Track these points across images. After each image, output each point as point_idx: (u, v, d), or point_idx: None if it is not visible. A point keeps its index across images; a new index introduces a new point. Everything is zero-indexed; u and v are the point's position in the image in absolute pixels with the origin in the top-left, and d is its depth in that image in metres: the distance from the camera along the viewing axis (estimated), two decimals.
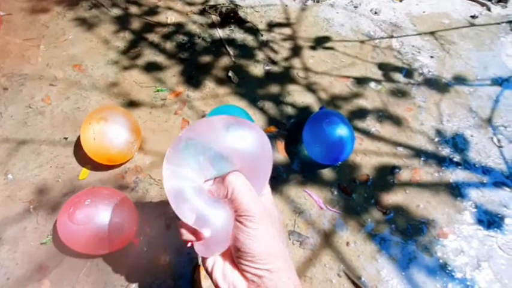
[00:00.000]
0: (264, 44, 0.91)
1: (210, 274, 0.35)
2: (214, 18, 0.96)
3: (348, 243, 0.61)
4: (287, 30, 0.95)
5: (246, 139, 0.39)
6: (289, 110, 0.78)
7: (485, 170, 0.71)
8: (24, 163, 0.68)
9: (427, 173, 0.70)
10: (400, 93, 0.82)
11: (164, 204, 0.63)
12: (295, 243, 0.60)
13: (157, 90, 0.79)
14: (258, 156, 0.39)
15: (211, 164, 0.38)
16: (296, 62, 0.87)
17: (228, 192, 0.35)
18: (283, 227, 0.39)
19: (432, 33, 0.97)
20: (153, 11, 0.98)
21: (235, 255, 0.35)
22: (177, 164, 0.37)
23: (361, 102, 0.80)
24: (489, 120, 0.79)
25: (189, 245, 0.37)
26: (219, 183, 0.37)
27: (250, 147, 0.39)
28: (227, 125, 0.39)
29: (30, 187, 0.65)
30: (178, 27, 0.93)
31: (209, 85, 0.81)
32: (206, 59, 0.87)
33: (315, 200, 0.65)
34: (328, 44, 0.92)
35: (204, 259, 0.37)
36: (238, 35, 0.93)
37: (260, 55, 0.88)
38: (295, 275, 0.35)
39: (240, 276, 0.34)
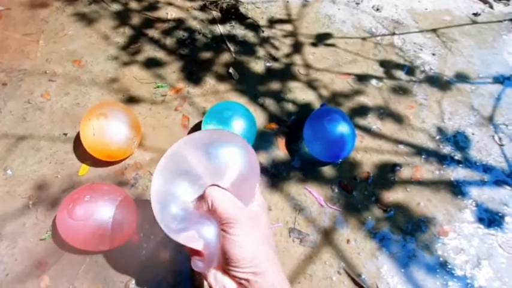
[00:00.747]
0: (265, 41, 0.90)
1: (205, 277, 0.38)
2: (215, 14, 0.96)
3: (348, 241, 0.61)
4: (288, 27, 0.94)
5: (229, 156, 0.40)
6: (290, 106, 0.77)
7: (486, 168, 0.71)
8: (24, 159, 0.68)
9: (428, 171, 0.70)
10: (401, 91, 0.82)
11: None
12: (296, 241, 0.60)
13: (158, 87, 0.79)
14: (243, 170, 0.40)
15: (194, 184, 0.39)
16: (297, 59, 0.87)
17: (208, 205, 0.37)
18: (271, 231, 0.40)
19: (434, 30, 0.96)
20: (153, 6, 0.97)
21: (222, 262, 0.36)
22: (163, 188, 0.39)
23: (362, 100, 0.80)
24: (490, 119, 0.79)
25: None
26: (200, 199, 0.38)
27: (233, 164, 0.40)
28: (210, 143, 0.40)
29: (29, 183, 0.65)
30: (179, 23, 0.93)
31: (210, 81, 0.81)
32: (207, 55, 0.86)
33: (315, 198, 0.65)
34: (329, 41, 0.91)
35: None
36: (239, 31, 0.92)
37: (261, 51, 0.88)
38: (284, 278, 0.37)
39: (230, 280, 0.35)
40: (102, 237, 0.54)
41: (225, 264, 0.36)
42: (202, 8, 0.97)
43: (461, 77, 0.86)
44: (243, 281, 0.35)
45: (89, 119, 0.62)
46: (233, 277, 0.35)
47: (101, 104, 0.67)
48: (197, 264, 0.38)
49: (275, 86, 0.81)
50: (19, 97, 0.76)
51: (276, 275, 0.35)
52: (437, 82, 0.84)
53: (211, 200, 0.37)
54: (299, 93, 0.80)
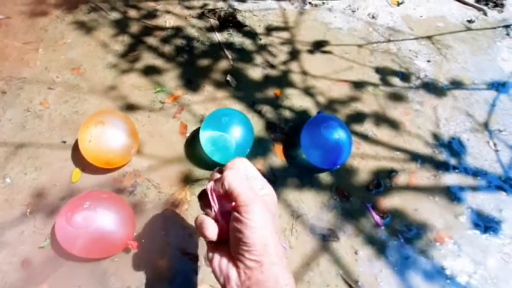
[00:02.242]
0: (262, 48, 0.91)
1: (211, 266, 0.39)
2: (213, 22, 0.97)
3: (345, 247, 0.61)
4: (285, 34, 0.95)
5: None
6: (287, 113, 0.78)
7: (482, 174, 0.71)
8: (22, 167, 0.68)
9: (424, 176, 0.70)
10: (397, 97, 0.83)
11: (162, 208, 0.64)
12: (293, 247, 0.61)
13: (157, 91, 0.80)
14: None
15: None
16: (294, 66, 0.88)
17: (224, 187, 0.38)
18: (279, 222, 0.41)
19: (429, 37, 0.98)
20: (152, 14, 0.98)
21: (233, 246, 0.37)
22: None
23: (359, 106, 0.81)
24: (485, 125, 0.79)
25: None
26: (217, 181, 0.40)
27: None
28: None
29: (28, 191, 0.65)
30: (177, 31, 0.94)
31: (208, 89, 0.82)
32: (205, 62, 0.87)
33: (373, 217, 0.64)
34: (326, 48, 0.93)
35: (208, 252, 0.40)
36: (237, 38, 0.93)
37: (258, 59, 0.89)
38: (289, 275, 0.36)
39: (233, 268, 0.36)
40: (100, 244, 0.54)
41: (236, 248, 0.36)
42: (201, 16, 0.98)
43: (456, 84, 0.87)
44: (247, 270, 0.35)
45: (87, 126, 0.63)
46: (238, 263, 0.36)
47: (99, 111, 0.68)
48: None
49: (272, 93, 0.82)
50: (18, 105, 0.77)
51: (283, 271, 0.35)
52: (432, 88, 0.85)
53: (228, 182, 0.38)
54: (296, 100, 0.81)
